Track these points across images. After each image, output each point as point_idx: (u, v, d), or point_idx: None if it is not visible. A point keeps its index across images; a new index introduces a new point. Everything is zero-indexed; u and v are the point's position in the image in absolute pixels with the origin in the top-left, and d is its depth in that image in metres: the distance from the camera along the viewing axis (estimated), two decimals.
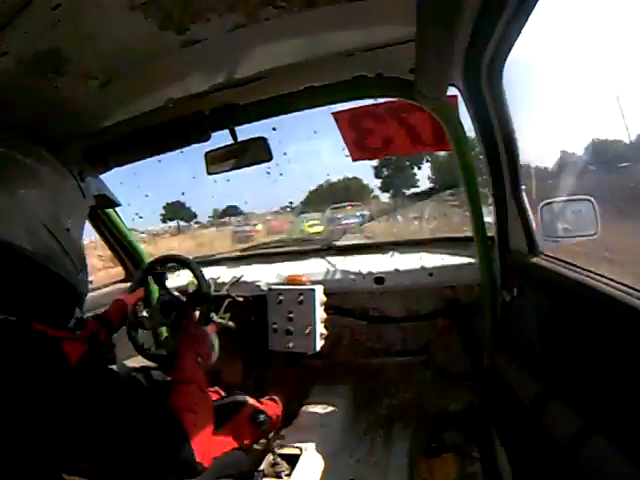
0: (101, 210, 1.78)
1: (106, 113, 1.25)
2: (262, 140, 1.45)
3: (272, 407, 1.59)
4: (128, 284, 1.75)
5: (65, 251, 0.82)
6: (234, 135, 1.43)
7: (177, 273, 2.10)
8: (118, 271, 2.13)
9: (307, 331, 1.72)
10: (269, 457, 1.31)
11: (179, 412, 0.81)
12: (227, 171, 1.53)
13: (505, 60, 1.02)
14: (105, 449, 0.73)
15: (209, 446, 0.84)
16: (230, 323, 1.95)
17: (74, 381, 0.72)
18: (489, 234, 1.42)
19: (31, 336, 0.73)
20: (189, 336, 1.12)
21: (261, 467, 1.30)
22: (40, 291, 0.79)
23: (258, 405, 1.46)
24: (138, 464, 0.75)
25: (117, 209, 1.90)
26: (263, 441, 1.41)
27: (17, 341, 0.72)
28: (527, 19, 0.86)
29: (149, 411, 0.79)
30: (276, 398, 1.69)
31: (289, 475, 1.27)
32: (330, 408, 1.69)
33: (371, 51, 1.11)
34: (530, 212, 1.22)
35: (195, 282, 1.49)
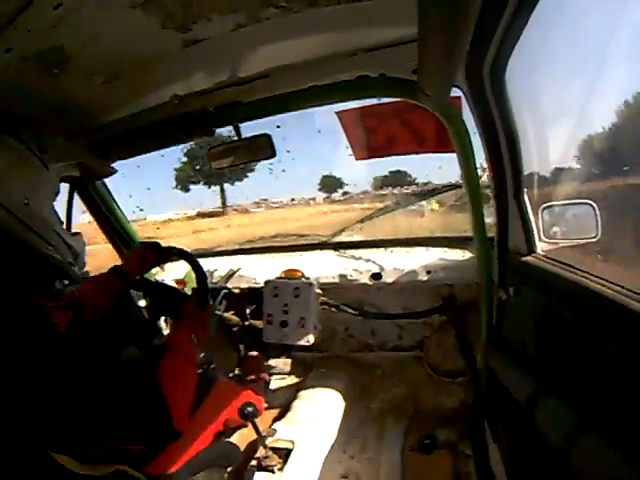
0: (94, 190, 1.79)
1: (109, 109, 1.26)
2: (266, 137, 1.46)
3: (257, 399, 1.62)
4: None
5: (27, 226, 0.85)
6: (238, 131, 1.44)
7: (173, 265, 2.12)
8: None
9: (302, 324, 1.74)
10: (261, 450, 1.32)
11: (162, 380, 0.83)
12: (230, 166, 1.54)
13: (508, 61, 1.01)
14: (85, 414, 0.74)
15: (188, 415, 0.86)
16: (226, 314, 1.98)
17: (62, 350, 0.74)
18: (489, 234, 1.42)
19: (16, 304, 0.75)
20: (188, 314, 1.13)
21: (253, 460, 1.32)
22: (6, 265, 0.82)
23: (248, 396, 1.48)
24: (117, 428, 0.77)
25: (118, 198, 1.91)
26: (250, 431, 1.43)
27: (3, 309, 0.74)
28: (528, 19, 0.86)
29: (131, 378, 0.81)
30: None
31: (281, 469, 1.29)
32: (323, 402, 1.71)
33: (374, 51, 1.11)
34: (531, 214, 1.22)
35: (192, 274, 1.50)
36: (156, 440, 0.83)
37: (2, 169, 0.85)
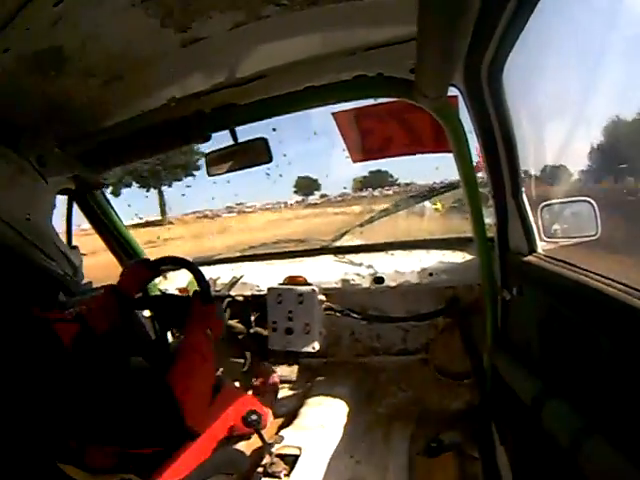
0: (93, 201, 1.78)
1: (107, 112, 1.25)
2: (262, 141, 1.45)
3: (263, 410, 1.60)
4: None
5: (27, 240, 0.85)
6: (234, 135, 1.44)
7: (176, 274, 2.11)
8: None
9: (307, 330, 1.74)
10: (267, 458, 1.31)
11: (174, 378, 0.82)
12: (227, 172, 1.53)
13: (506, 61, 1.02)
14: (93, 421, 0.73)
15: (204, 413, 0.87)
16: (230, 322, 1.97)
17: (68, 363, 0.73)
18: (489, 235, 1.42)
19: (22, 317, 0.75)
20: (198, 311, 1.12)
21: (260, 467, 1.30)
22: (9, 279, 0.81)
23: (253, 404, 1.46)
24: (128, 433, 0.76)
25: (114, 204, 1.89)
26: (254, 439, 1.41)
27: (7, 323, 0.73)
28: (527, 20, 0.86)
29: (139, 382, 0.80)
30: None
31: (288, 475, 1.27)
32: (330, 408, 1.69)
33: (372, 50, 1.11)
34: (530, 212, 1.23)
35: (195, 283, 1.48)
36: (170, 440, 0.81)
37: (3, 184, 0.85)
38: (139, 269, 1.27)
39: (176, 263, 1.35)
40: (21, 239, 0.85)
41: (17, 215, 0.85)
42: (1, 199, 0.84)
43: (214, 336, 1.06)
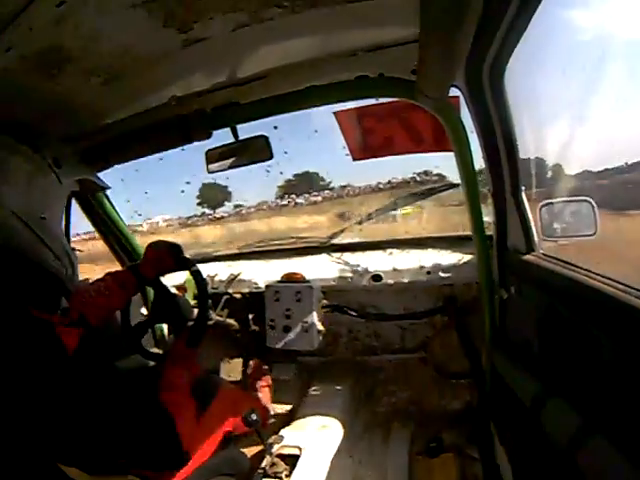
0: (96, 201, 1.78)
1: (108, 110, 1.25)
2: (263, 138, 1.45)
3: (262, 408, 1.61)
4: None
5: (41, 240, 0.85)
6: (235, 133, 1.44)
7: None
8: None
9: (305, 328, 1.73)
10: (267, 458, 1.31)
11: (171, 407, 0.85)
12: (227, 169, 1.53)
13: (507, 61, 1.02)
14: (94, 439, 0.74)
15: (195, 439, 0.91)
16: (228, 320, 1.97)
17: (69, 371, 0.74)
18: (488, 233, 1.43)
19: (26, 320, 0.75)
20: (179, 353, 1.14)
21: (260, 468, 1.31)
22: (18, 280, 0.81)
23: (252, 403, 1.46)
24: (128, 453, 0.78)
25: (116, 205, 1.88)
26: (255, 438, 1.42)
27: (11, 325, 0.73)
28: (529, 20, 0.86)
29: (141, 403, 0.82)
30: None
31: (288, 476, 1.27)
32: (329, 407, 1.70)
33: (373, 51, 1.11)
34: (529, 211, 1.23)
35: (193, 281, 1.48)
36: (168, 465, 0.86)
37: (22, 182, 0.85)
38: (165, 257, 1.23)
39: (195, 278, 1.29)
40: (35, 238, 0.84)
41: (33, 214, 0.84)
42: (19, 197, 0.83)
43: (189, 378, 1.07)
